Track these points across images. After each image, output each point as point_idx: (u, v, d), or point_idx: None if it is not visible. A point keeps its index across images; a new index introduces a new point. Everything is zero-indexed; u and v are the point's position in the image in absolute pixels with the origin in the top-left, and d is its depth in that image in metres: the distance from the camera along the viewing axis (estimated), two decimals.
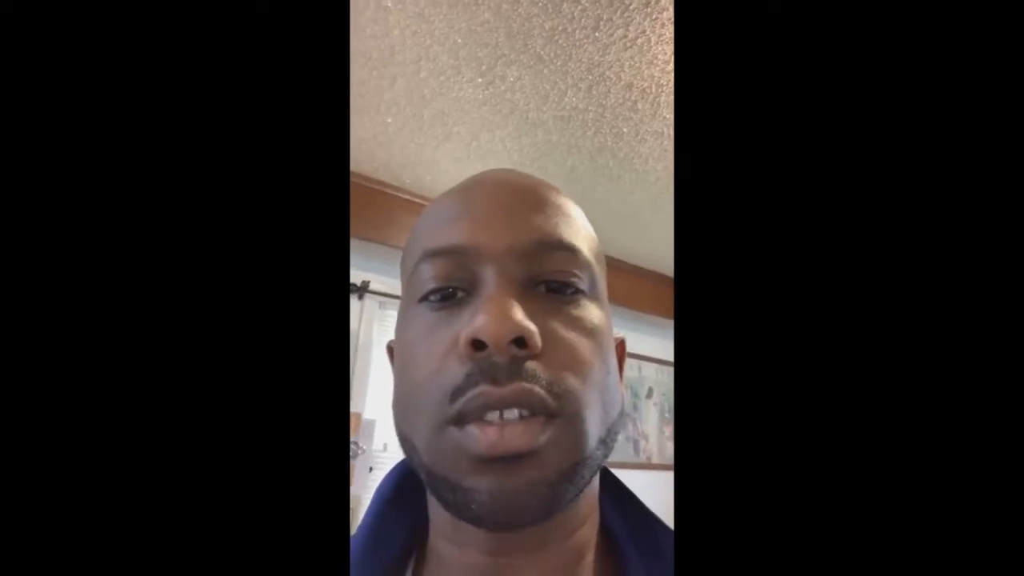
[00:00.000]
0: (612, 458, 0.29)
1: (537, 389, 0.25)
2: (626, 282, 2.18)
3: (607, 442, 0.28)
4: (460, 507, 0.25)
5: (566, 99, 1.26)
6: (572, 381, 0.26)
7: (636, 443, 2.30)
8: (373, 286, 1.71)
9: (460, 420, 0.25)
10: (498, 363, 0.25)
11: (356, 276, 1.70)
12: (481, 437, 0.24)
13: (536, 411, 0.25)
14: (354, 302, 1.70)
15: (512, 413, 0.24)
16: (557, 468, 0.25)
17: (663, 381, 2.45)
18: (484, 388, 0.25)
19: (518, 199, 0.29)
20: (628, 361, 0.91)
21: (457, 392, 0.25)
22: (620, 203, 1.74)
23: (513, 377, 0.25)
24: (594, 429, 0.26)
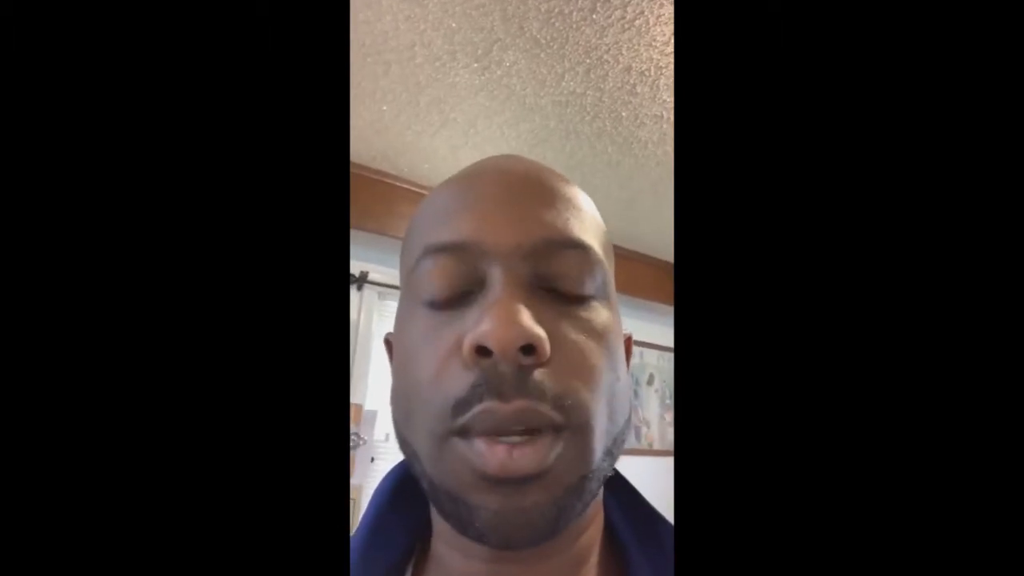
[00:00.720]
0: None
1: (543, 408, 0.24)
2: (626, 268, 2.17)
3: (613, 452, 0.27)
4: (463, 522, 0.24)
5: (564, 83, 1.24)
6: (580, 391, 0.25)
7: (637, 430, 2.31)
8: (372, 276, 1.71)
9: (465, 433, 0.24)
10: (504, 373, 0.23)
11: (355, 266, 1.70)
12: (489, 456, 0.23)
13: (543, 429, 0.24)
14: (353, 293, 1.70)
15: (518, 430, 0.23)
16: (564, 484, 0.24)
17: (664, 367, 2.46)
18: (489, 404, 0.23)
19: (525, 191, 0.28)
20: None
21: (460, 405, 0.24)
22: (619, 189, 1.73)
23: (519, 391, 0.23)
24: (601, 441, 0.25)
